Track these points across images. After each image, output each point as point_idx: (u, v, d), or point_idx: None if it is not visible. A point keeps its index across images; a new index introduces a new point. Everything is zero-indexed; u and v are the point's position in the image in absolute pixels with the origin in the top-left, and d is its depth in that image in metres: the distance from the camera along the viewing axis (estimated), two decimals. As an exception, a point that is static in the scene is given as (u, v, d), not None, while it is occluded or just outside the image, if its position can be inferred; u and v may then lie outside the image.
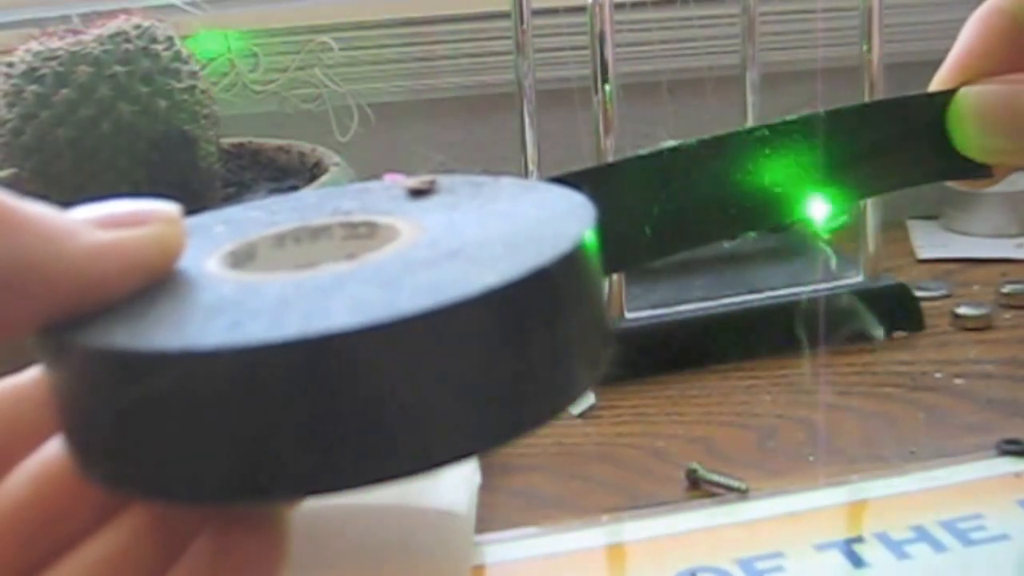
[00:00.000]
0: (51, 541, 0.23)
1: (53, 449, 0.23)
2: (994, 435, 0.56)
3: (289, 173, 0.66)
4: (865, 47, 0.68)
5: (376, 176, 0.54)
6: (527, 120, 0.68)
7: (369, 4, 0.86)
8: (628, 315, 0.68)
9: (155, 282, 0.23)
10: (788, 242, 0.77)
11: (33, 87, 0.55)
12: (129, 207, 0.23)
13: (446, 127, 0.91)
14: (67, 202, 0.24)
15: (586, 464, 0.58)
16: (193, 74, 0.58)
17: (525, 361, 0.21)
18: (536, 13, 0.67)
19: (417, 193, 0.27)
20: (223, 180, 0.63)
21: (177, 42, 0.58)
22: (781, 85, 0.84)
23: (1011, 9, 0.37)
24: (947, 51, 0.38)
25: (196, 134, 0.57)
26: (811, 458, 0.57)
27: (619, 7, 0.66)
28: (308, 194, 0.29)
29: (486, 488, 0.50)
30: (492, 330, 0.20)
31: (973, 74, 0.36)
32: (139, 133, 0.55)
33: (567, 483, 0.56)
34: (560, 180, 0.28)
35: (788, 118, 0.33)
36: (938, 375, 0.66)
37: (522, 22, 0.67)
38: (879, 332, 0.65)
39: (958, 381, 0.65)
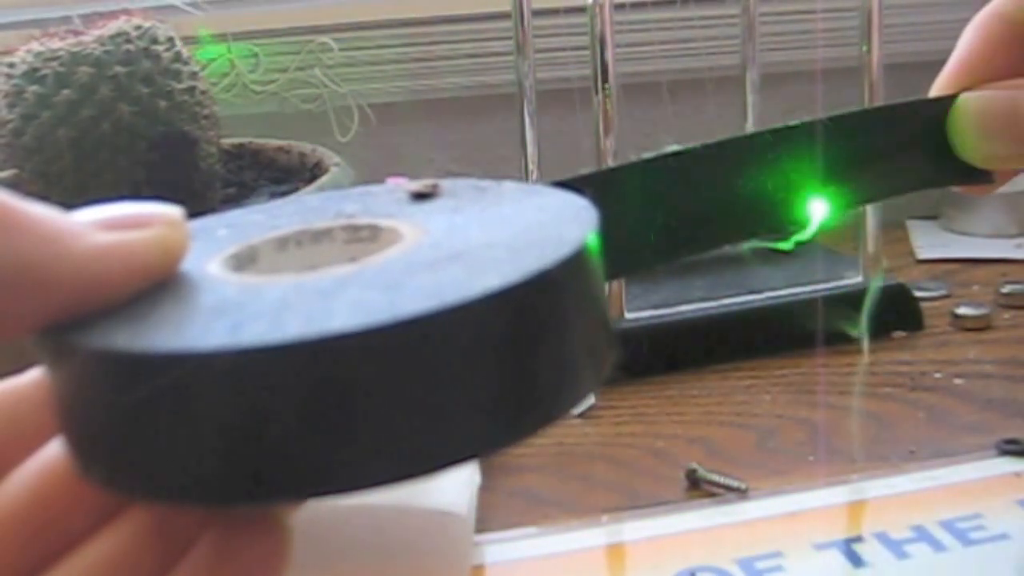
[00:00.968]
0: (51, 542, 0.23)
1: (53, 451, 0.23)
2: (994, 435, 0.56)
3: (289, 174, 0.66)
4: (865, 48, 0.68)
5: (376, 177, 0.54)
6: (527, 120, 0.68)
7: (369, 5, 0.86)
8: (628, 315, 0.68)
9: (157, 284, 0.23)
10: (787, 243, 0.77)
11: (34, 88, 0.55)
12: (132, 209, 0.23)
13: (446, 127, 0.91)
14: (68, 203, 0.24)
15: (586, 464, 0.58)
16: (194, 75, 0.58)
17: (527, 363, 0.21)
18: (536, 14, 0.67)
19: (419, 196, 0.27)
20: (223, 181, 0.63)
21: (178, 43, 0.58)
22: (781, 86, 0.84)
23: (1011, 15, 0.37)
24: (947, 52, 0.38)
25: (197, 135, 0.57)
26: (811, 458, 0.57)
27: (619, 8, 0.66)
28: (310, 197, 0.29)
29: (486, 488, 0.50)
30: (494, 332, 0.20)
31: (973, 80, 0.36)
32: (140, 134, 0.55)
33: (567, 483, 0.56)
34: (563, 184, 0.28)
35: (791, 123, 0.33)
36: (938, 375, 0.66)
37: (522, 23, 0.67)
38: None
39: (958, 381, 0.65)
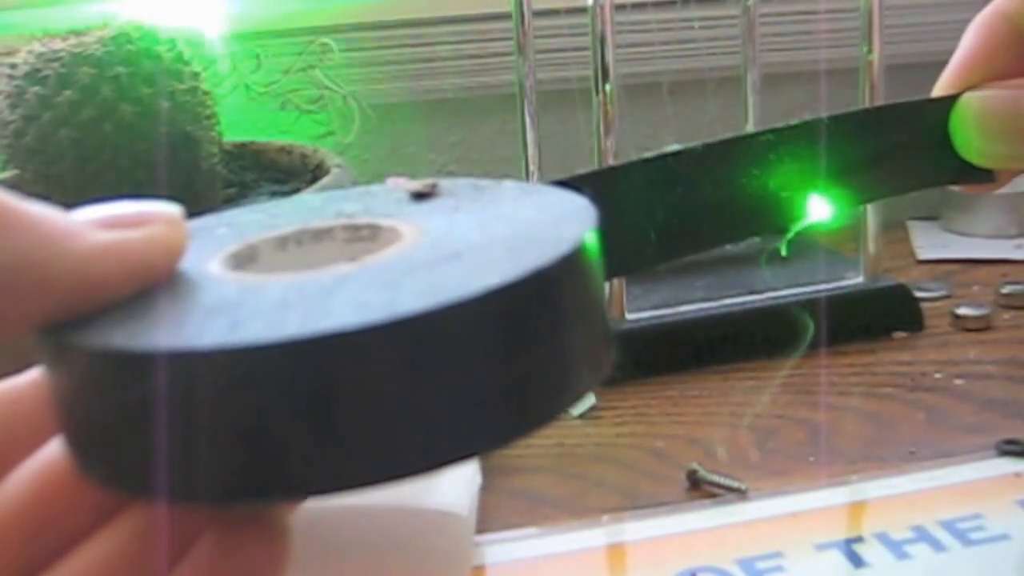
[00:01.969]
0: (51, 542, 0.23)
1: (52, 450, 0.23)
2: (994, 435, 0.56)
3: (291, 174, 0.66)
4: (865, 48, 0.68)
5: (378, 177, 0.54)
6: (528, 121, 0.68)
7: (370, 6, 0.87)
8: (629, 316, 0.68)
9: (156, 283, 0.23)
10: (788, 243, 0.77)
11: (36, 88, 0.55)
12: (131, 208, 0.23)
13: (447, 128, 0.91)
14: (69, 203, 0.24)
15: (586, 465, 0.58)
16: (195, 75, 0.58)
17: (526, 362, 0.21)
18: (537, 14, 0.67)
19: (419, 196, 0.27)
20: (225, 181, 0.63)
21: (179, 43, 0.58)
22: (781, 86, 0.84)
23: (1013, 14, 0.37)
24: (947, 52, 0.38)
25: (198, 135, 0.57)
26: (811, 458, 0.57)
27: (620, 8, 0.66)
28: (310, 197, 0.29)
29: (486, 488, 0.50)
30: (492, 331, 0.20)
31: (976, 79, 0.36)
32: (141, 134, 0.55)
33: (567, 483, 0.56)
34: (562, 183, 0.28)
35: (792, 123, 0.33)
36: (938, 375, 0.66)
37: (523, 23, 0.67)
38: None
39: (958, 381, 0.65)
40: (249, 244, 0.25)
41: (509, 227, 0.24)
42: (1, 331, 0.21)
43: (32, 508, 0.23)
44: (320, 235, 0.26)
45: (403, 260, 0.22)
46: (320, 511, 0.37)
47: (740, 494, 0.53)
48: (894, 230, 0.90)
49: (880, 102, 0.68)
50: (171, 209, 0.23)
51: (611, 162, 0.66)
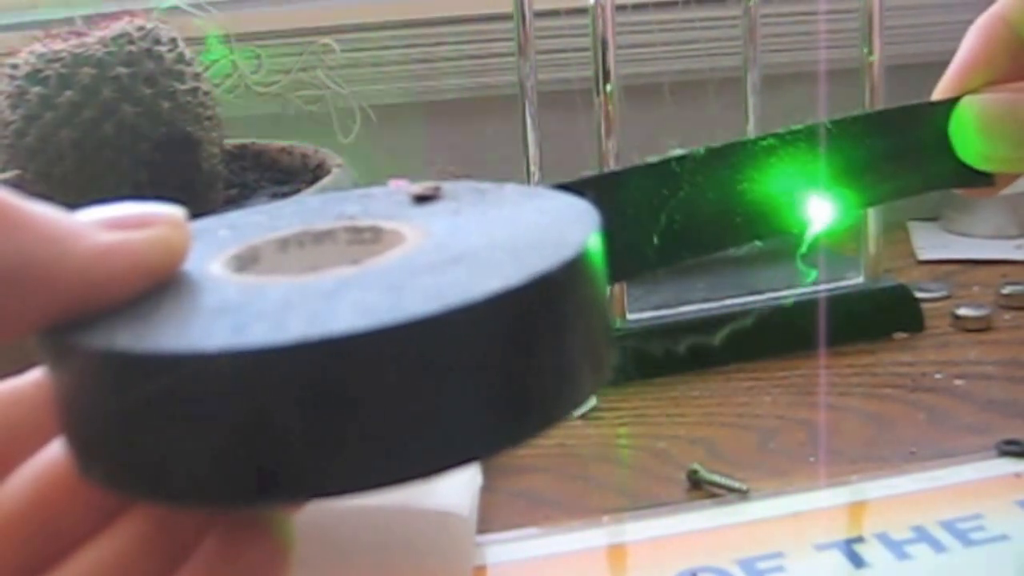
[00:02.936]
0: (52, 543, 0.23)
1: (54, 451, 0.23)
2: (994, 436, 0.56)
3: (292, 175, 0.66)
4: (866, 49, 0.68)
5: (379, 178, 0.54)
6: (529, 122, 0.68)
7: (371, 6, 0.87)
8: (630, 316, 0.68)
9: (159, 285, 0.23)
10: (789, 244, 0.77)
11: (37, 89, 0.55)
12: (134, 210, 0.23)
13: (448, 129, 0.91)
14: (70, 203, 0.24)
15: (587, 465, 0.58)
16: (196, 76, 0.58)
17: (529, 366, 0.21)
18: (538, 15, 0.67)
19: (421, 199, 0.27)
20: (226, 181, 0.63)
21: (180, 44, 0.59)
22: (782, 87, 0.84)
23: (1012, 18, 0.37)
24: (948, 53, 0.38)
25: (199, 135, 0.57)
26: (812, 459, 0.57)
27: (621, 9, 0.66)
28: (312, 198, 0.29)
29: (487, 489, 0.50)
30: (496, 334, 0.20)
31: (976, 83, 0.36)
32: (142, 134, 0.55)
33: (568, 484, 0.56)
34: (564, 187, 0.28)
35: (793, 127, 0.34)
36: (938, 376, 0.66)
37: (524, 24, 0.67)
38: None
39: (958, 382, 0.65)
40: (251, 246, 0.25)
41: (512, 231, 0.24)
42: (4, 331, 0.21)
43: (33, 509, 0.23)
44: (322, 237, 0.26)
45: (406, 263, 0.22)
46: (321, 511, 0.37)
47: (741, 494, 0.53)
48: (895, 231, 0.90)
49: (881, 103, 0.68)
50: (174, 211, 0.23)
51: (612, 163, 0.66)
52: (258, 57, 0.82)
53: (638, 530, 0.51)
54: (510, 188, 0.27)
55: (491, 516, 0.52)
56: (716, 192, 0.33)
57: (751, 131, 0.78)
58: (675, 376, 0.67)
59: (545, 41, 0.73)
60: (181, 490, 0.20)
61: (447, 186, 0.28)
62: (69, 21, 0.71)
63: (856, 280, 0.72)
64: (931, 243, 0.90)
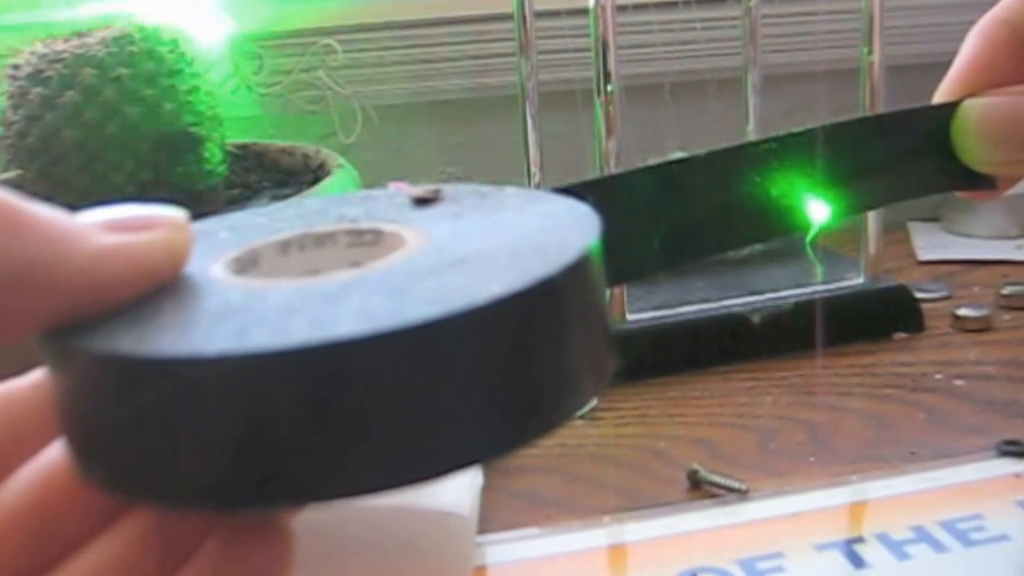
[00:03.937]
0: (51, 545, 0.23)
1: (54, 453, 0.23)
2: (994, 436, 0.56)
3: (293, 175, 0.66)
4: (866, 50, 0.68)
5: (380, 178, 0.54)
6: (530, 122, 0.68)
7: (373, 6, 0.87)
8: (630, 317, 0.68)
9: (161, 287, 0.23)
10: (789, 244, 0.77)
11: (38, 89, 0.55)
12: (137, 212, 0.23)
13: (449, 129, 0.91)
14: (72, 204, 0.24)
15: (588, 465, 0.58)
16: (197, 76, 0.58)
17: (530, 370, 0.21)
18: (539, 15, 0.67)
19: (422, 202, 0.27)
20: (227, 182, 0.63)
21: (181, 44, 0.59)
22: (782, 87, 0.84)
23: (1013, 20, 0.37)
24: (948, 53, 0.38)
25: (200, 136, 0.57)
26: (811, 459, 0.57)
27: (621, 9, 0.66)
28: (313, 201, 0.29)
29: (488, 489, 0.50)
30: (497, 339, 0.20)
31: (976, 86, 0.36)
32: (144, 135, 0.55)
33: (569, 484, 0.56)
34: (565, 190, 0.28)
35: (794, 131, 0.34)
36: (938, 376, 0.66)
37: (525, 24, 0.67)
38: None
39: (958, 382, 0.65)
40: (251, 248, 0.25)
41: (513, 234, 0.24)
42: (6, 333, 0.21)
43: (33, 511, 0.23)
44: (322, 240, 0.26)
45: (408, 267, 0.22)
46: (323, 512, 0.37)
47: (741, 494, 0.53)
48: (895, 231, 0.90)
49: (881, 103, 0.68)
50: (177, 213, 0.23)
51: (613, 163, 0.66)
52: (260, 57, 0.82)
53: (638, 530, 0.51)
54: (511, 191, 0.27)
55: (491, 516, 0.52)
56: (717, 195, 0.33)
57: (751, 131, 0.78)
58: (675, 376, 0.67)
59: (546, 41, 0.73)
60: (181, 494, 0.20)
61: (448, 189, 0.28)
62: (70, 21, 0.71)
63: (856, 280, 0.72)
64: (931, 243, 0.90)
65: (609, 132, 0.66)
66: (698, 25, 0.89)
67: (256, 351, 0.19)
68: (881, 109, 0.68)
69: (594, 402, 0.63)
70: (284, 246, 0.26)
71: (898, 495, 0.52)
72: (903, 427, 0.60)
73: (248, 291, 0.22)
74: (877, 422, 0.61)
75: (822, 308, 0.69)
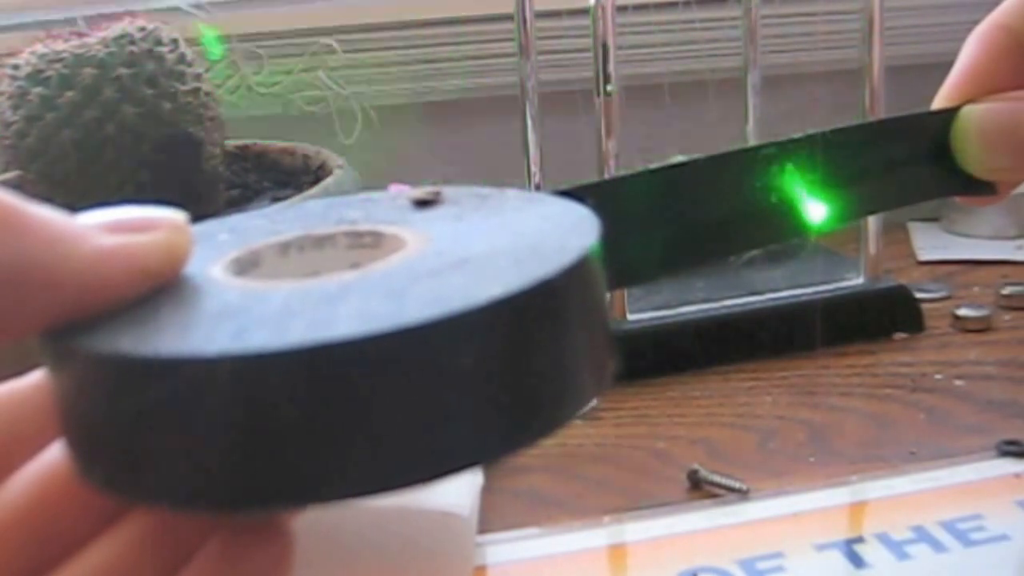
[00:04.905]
0: (51, 546, 0.23)
1: (54, 454, 0.23)
2: (994, 436, 0.56)
3: (293, 176, 0.66)
4: (866, 50, 0.68)
5: (380, 178, 0.54)
6: (530, 123, 0.68)
7: (373, 7, 0.87)
8: (630, 317, 0.68)
9: (160, 288, 0.23)
10: (789, 245, 0.77)
11: (38, 89, 0.55)
12: (136, 213, 0.23)
13: (449, 129, 0.91)
14: (72, 204, 0.24)
15: (588, 465, 0.58)
16: (197, 76, 0.58)
17: (529, 371, 0.21)
18: (539, 16, 0.67)
19: (422, 203, 0.27)
20: (227, 182, 0.63)
21: (182, 45, 0.59)
22: (782, 88, 0.84)
23: (1013, 26, 0.37)
24: (948, 54, 0.38)
25: (200, 136, 0.57)
26: (812, 459, 0.57)
27: (621, 10, 0.66)
28: (312, 203, 0.29)
29: (488, 489, 0.50)
30: (497, 340, 0.20)
31: (976, 91, 0.36)
32: (144, 135, 0.55)
33: (569, 484, 0.56)
34: (565, 193, 0.28)
35: (794, 136, 0.34)
36: (938, 376, 0.66)
37: (525, 25, 0.67)
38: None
39: (958, 382, 0.65)
40: (251, 250, 0.25)
41: (513, 236, 0.24)
42: (6, 333, 0.21)
43: (32, 512, 0.23)
44: (322, 241, 0.26)
45: (407, 268, 0.22)
46: (322, 512, 0.37)
47: (741, 494, 0.53)
48: (895, 231, 0.90)
49: (881, 104, 0.68)
50: (176, 215, 0.23)
51: (613, 164, 0.66)
52: (259, 58, 0.82)
53: (638, 530, 0.51)
54: (511, 193, 0.27)
55: (491, 516, 0.52)
56: (717, 200, 0.33)
57: (751, 132, 0.78)
58: (675, 376, 0.67)
59: (546, 42, 0.73)
60: (181, 495, 0.20)
61: (448, 191, 0.28)
62: (70, 21, 0.72)
63: (856, 280, 0.72)
64: (931, 244, 0.90)
65: (609, 133, 0.66)
66: (698, 25, 0.89)
67: (255, 352, 0.19)
68: (881, 110, 0.68)
69: (594, 402, 0.63)
70: (284, 248, 0.26)
71: (898, 495, 0.52)
72: (903, 427, 0.60)
73: (248, 292, 0.22)
74: (877, 422, 0.61)
75: (822, 308, 0.69)
